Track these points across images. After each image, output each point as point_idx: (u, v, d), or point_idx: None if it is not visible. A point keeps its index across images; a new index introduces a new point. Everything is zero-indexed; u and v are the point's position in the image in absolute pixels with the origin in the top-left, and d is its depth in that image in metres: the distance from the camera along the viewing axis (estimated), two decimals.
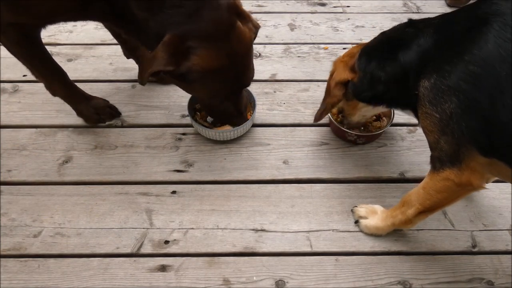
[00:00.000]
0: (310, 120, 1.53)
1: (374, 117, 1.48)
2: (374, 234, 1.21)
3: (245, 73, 1.15)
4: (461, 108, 0.86)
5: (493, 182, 1.27)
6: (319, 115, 1.31)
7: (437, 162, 0.96)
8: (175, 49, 0.98)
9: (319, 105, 1.56)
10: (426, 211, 1.05)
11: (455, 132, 0.88)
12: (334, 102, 1.22)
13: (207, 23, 0.99)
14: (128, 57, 1.61)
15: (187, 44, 0.99)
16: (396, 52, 1.01)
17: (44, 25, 1.15)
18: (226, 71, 1.06)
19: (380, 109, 1.32)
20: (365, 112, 1.30)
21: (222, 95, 1.17)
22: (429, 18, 1.02)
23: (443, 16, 1.00)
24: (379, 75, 1.07)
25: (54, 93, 1.37)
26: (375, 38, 1.13)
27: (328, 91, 1.25)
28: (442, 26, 0.97)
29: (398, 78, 1.03)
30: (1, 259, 1.15)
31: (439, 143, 0.93)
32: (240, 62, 1.09)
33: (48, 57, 1.26)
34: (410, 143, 1.46)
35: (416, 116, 1.03)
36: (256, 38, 1.91)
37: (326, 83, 1.63)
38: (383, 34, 1.11)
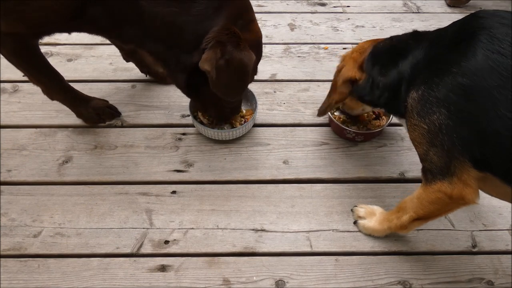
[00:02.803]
0: (310, 120, 1.53)
1: (374, 116, 1.48)
2: (371, 235, 1.21)
3: (257, 63, 1.17)
4: (451, 120, 0.85)
5: None
6: (322, 111, 1.31)
7: (429, 174, 0.96)
8: (239, 39, 0.99)
9: (319, 105, 1.56)
10: (419, 219, 1.05)
11: (445, 144, 0.87)
12: (340, 99, 1.21)
13: (235, 3, 1.01)
14: (127, 61, 1.61)
15: (238, 23, 1.01)
16: (397, 61, 1.03)
17: (40, 35, 1.13)
18: (260, 46, 1.11)
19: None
20: (365, 107, 1.32)
21: (246, 83, 1.18)
22: (428, 31, 1.04)
23: (438, 30, 1.01)
24: (378, 80, 1.08)
25: (52, 98, 1.37)
26: (384, 42, 1.13)
27: (334, 87, 1.24)
28: (434, 40, 0.98)
29: (393, 86, 1.04)
30: (1, 259, 1.15)
31: (428, 155, 0.93)
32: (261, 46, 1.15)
33: (45, 65, 1.25)
34: (410, 143, 1.45)
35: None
36: None
37: (326, 83, 1.65)
38: (391, 40, 1.12)
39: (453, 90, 0.84)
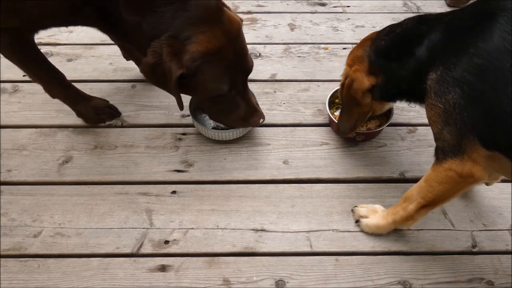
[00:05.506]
0: (310, 120, 1.53)
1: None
2: (374, 233, 1.21)
3: (243, 55, 1.15)
4: (464, 99, 0.88)
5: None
6: (351, 127, 1.28)
7: (440, 153, 0.97)
8: (176, 50, 0.99)
9: (319, 105, 1.57)
10: (427, 205, 1.05)
11: (457, 123, 0.90)
12: (368, 109, 1.23)
13: (197, 9, 1.00)
14: (128, 59, 1.61)
15: (183, 36, 1.00)
16: (413, 48, 1.04)
17: (36, 29, 1.15)
18: (226, 50, 1.07)
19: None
20: (389, 105, 1.34)
21: (228, 81, 1.13)
22: (441, 14, 1.04)
23: (453, 12, 1.02)
24: (401, 73, 1.08)
25: (53, 95, 1.37)
26: (386, 36, 1.12)
27: (348, 102, 1.23)
28: (451, 22, 0.99)
29: (415, 73, 1.05)
30: (1, 259, 1.15)
31: (442, 133, 0.95)
32: (236, 41, 1.10)
33: (43, 60, 1.26)
34: (410, 143, 1.46)
35: None
36: (256, 38, 1.91)
37: (326, 83, 1.65)
38: (395, 32, 1.11)
39: (468, 70, 0.87)
